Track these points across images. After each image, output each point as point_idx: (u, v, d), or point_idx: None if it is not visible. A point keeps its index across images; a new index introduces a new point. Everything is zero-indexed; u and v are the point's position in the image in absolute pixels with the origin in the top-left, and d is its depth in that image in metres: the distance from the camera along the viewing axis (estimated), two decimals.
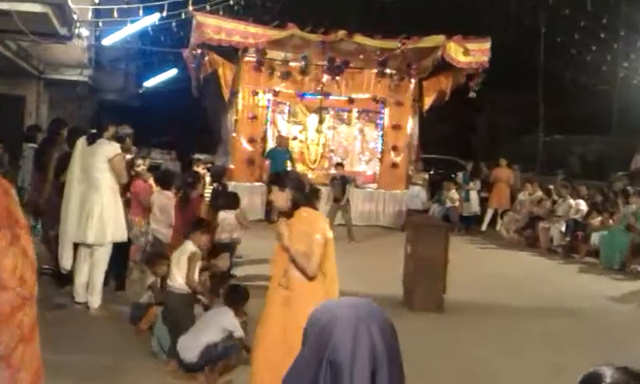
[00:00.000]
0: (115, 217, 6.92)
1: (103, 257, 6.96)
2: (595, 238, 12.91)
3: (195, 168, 11.06)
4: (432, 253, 8.16)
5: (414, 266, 8.21)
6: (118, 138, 7.11)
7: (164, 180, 8.21)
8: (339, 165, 14.63)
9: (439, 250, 8.20)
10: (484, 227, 16.31)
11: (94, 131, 6.89)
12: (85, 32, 11.72)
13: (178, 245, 6.16)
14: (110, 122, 7.05)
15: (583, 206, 13.81)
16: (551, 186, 15.41)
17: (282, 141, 15.49)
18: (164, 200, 7.84)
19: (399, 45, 14.73)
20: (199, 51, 13.88)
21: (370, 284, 9.19)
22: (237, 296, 5.85)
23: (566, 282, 10.89)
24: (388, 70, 15.93)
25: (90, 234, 6.80)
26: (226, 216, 8.33)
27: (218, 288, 6.47)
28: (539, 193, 15.30)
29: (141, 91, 25.13)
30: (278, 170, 14.54)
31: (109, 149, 6.78)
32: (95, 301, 6.95)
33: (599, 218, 13.31)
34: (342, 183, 13.65)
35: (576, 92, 20.54)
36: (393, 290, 8.50)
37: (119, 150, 6.88)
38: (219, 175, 9.87)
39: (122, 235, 7.03)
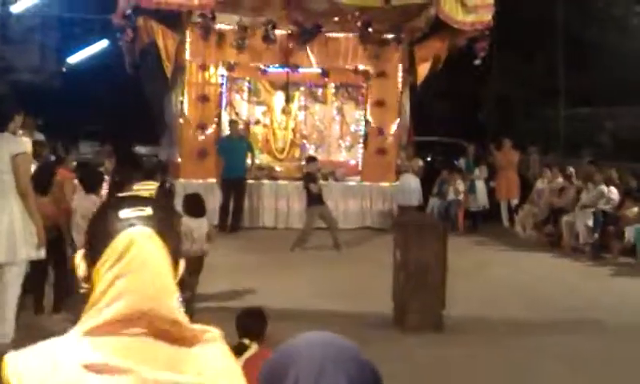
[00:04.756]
0: (30, 229, 6.88)
1: (15, 279, 6.89)
2: (630, 232, 13.04)
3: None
4: (427, 259, 8.18)
5: (406, 276, 8.23)
6: None
7: (89, 180, 8.16)
8: (312, 160, 14.37)
9: (436, 256, 8.23)
10: (506, 224, 16.53)
11: None
12: None
13: None
14: (15, 110, 6.96)
15: (615, 194, 13.93)
16: (571, 170, 15.48)
17: (235, 127, 15.45)
18: (88, 206, 7.77)
19: (382, 1, 14.77)
20: (129, 15, 13.81)
21: (354, 300, 9.23)
22: None
23: (595, 289, 10.97)
24: (370, 35, 15.93)
25: None
26: (196, 224, 8.35)
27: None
28: (560, 180, 15.43)
29: (63, 69, 24.95)
30: (234, 166, 14.66)
31: (13, 144, 6.73)
32: (7, 333, 6.89)
33: (635, 209, 13.43)
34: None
35: (603, 53, 20.66)
36: (381, 306, 8.53)
37: (26, 147, 6.84)
38: (155, 172, 9.80)
39: (37, 252, 6.98)
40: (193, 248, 8.05)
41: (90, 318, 1.56)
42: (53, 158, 10.98)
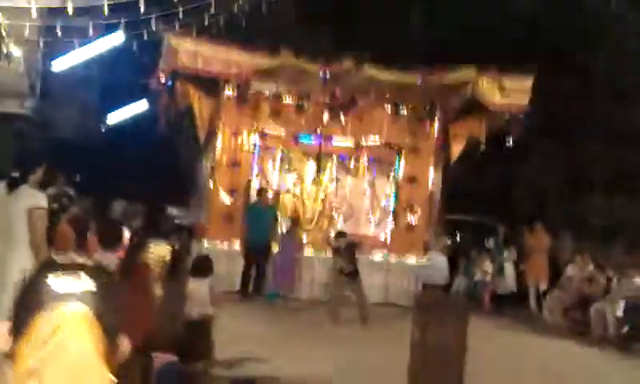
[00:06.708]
0: None
1: None
2: None
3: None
4: (446, 340, 7.97)
5: (422, 357, 8.02)
6: None
7: (106, 236, 7.92)
8: (340, 235, 14.11)
9: (456, 338, 8.03)
10: (534, 308, 16.27)
11: (15, 175, 6.83)
12: (17, 52, 11.78)
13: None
14: (38, 163, 6.98)
15: None
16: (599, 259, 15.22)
17: (264, 196, 15.35)
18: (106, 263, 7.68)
19: (419, 79, 14.81)
20: (167, 79, 14.02)
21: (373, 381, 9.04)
22: None
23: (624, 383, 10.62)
24: (404, 111, 16.00)
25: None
26: (196, 286, 8.23)
27: None
28: (590, 267, 15.15)
29: (102, 128, 25.28)
30: (259, 235, 14.50)
31: (30, 198, 6.72)
32: None
33: None
34: (350, 250, 13.49)
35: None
36: None
37: (42, 202, 6.79)
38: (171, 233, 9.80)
39: None
40: (192, 311, 7.88)
41: None
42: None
